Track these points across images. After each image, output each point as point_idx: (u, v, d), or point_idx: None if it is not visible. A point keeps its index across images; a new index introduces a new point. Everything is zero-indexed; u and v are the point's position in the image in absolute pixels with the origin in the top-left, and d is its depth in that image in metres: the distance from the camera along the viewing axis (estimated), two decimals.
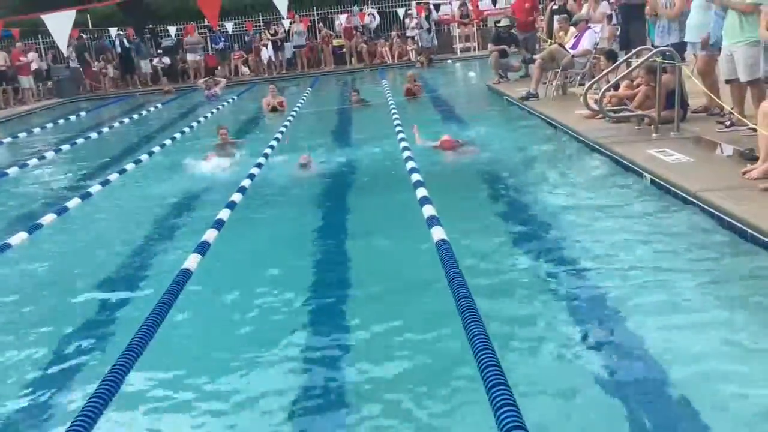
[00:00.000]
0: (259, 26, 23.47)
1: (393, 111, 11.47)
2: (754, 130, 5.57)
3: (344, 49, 23.09)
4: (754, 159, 5.49)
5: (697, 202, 5.14)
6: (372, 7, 24.56)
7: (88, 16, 22.98)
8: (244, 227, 5.97)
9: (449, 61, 21.87)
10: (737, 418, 2.79)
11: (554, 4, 14.12)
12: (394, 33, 23.28)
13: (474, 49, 22.79)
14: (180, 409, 3.29)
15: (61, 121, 15.75)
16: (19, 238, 5.85)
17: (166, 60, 22.85)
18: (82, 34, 22.24)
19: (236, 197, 6.52)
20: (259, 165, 8.08)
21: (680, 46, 7.82)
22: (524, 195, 6.28)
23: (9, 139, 13.48)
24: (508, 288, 4.25)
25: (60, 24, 13.15)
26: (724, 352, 3.26)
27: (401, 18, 23.66)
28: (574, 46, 11.16)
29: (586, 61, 10.98)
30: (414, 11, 22.69)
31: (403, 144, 8.43)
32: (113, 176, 8.36)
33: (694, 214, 5.07)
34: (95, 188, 7.79)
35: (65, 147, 11.57)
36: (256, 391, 3.35)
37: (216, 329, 4.14)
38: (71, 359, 3.89)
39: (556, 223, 5.37)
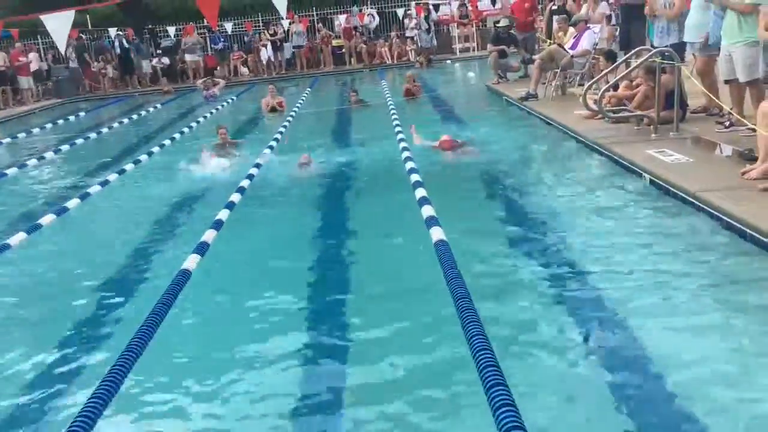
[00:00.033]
0: (259, 26, 23.46)
1: (392, 111, 11.47)
2: (753, 130, 5.57)
3: (343, 50, 23.09)
4: (754, 159, 5.49)
5: (696, 202, 5.14)
6: (371, 8, 24.57)
7: (88, 16, 22.97)
8: (243, 227, 5.97)
9: (448, 62, 21.87)
10: (737, 420, 2.79)
11: (553, 4, 14.12)
12: (393, 33, 23.29)
13: (473, 50, 22.80)
14: (179, 409, 3.28)
15: (60, 122, 15.75)
16: (18, 238, 5.84)
17: (166, 60, 22.84)
18: (81, 35, 22.23)
19: (235, 197, 6.52)
20: (258, 165, 8.08)
21: (679, 47, 7.82)
22: (523, 195, 6.28)
23: (8, 140, 13.48)
24: (506, 288, 4.25)
25: (59, 24, 13.14)
26: (724, 354, 3.25)
27: (400, 18, 23.67)
28: (573, 47, 11.17)
29: (586, 61, 10.98)
30: (413, 11, 22.71)
31: (403, 144, 8.43)
32: (112, 176, 8.36)
33: (693, 214, 5.07)
34: (94, 188, 7.78)
35: (64, 147, 11.56)
36: (254, 391, 3.35)
37: (215, 329, 4.14)
38: (70, 359, 3.88)
39: (554, 223, 5.37)
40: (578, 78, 11.41)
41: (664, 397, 2.99)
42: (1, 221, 7.11)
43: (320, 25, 23.68)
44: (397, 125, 9.85)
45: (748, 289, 3.86)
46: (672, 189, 5.53)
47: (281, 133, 10.40)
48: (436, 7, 23.16)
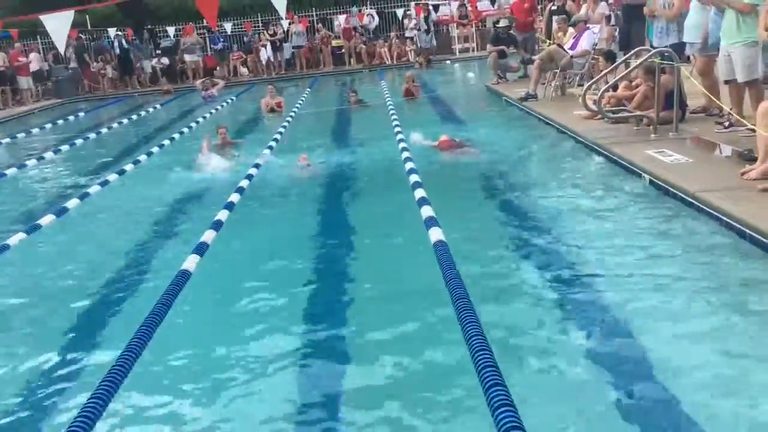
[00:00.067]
0: (258, 27, 23.46)
1: (391, 112, 11.46)
2: (753, 130, 5.57)
3: (343, 50, 23.08)
4: (753, 159, 5.49)
5: (695, 202, 5.14)
6: (371, 8, 24.58)
7: (87, 16, 22.96)
8: (242, 228, 5.97)
9: (448, 62, 21.87)
10: (737, 423, 2.78)
11: (553, 4, 14.14)
12: (393, 33, 23.28)
13: (473, 50, 22.80)
14: (179, 409, 3.28)
15: (59, 122, 15.74)
16: (17, 238, 5.84)
17: (165, 60, 22.84)
18: (80, 35, 22.23)
19: (234, 198, 6.52)
20: (257, 165, 8.08)
21: (679, 47, 7.83)
22: (522, 195, 6.28)
23: (8, 140, 13.47)
24: (505, 289, 4.25)
25: (59, 24, 13.13)
26: (724, 356, 3.24)
27: (400, 19, 23.68)
28: (572, 47, 11.17)
29: (585, 61, 10.99)
30: (413, 12, 22.71)
31: (402, 145, 8.43)
32: (112, 177, 8.35)
33: (692, 214, 5.07)
34: (94, 189, 7.78)
35: (64, 148, 11.56)
36: (253, 392, 3.35)
37: (214, 330, 4.13)
38: (70, 359, 3.88)
39: (554, 223, 5.37)
40: (578, 78, 11.42)
41: (664, 399, 2.99)
42: (0, 221, 7.11)
43: (320, 25, 23.69)
44: (397, 125, 9.84)
45: (747, 290, 3.86)
46: (671, 189, 5.53)
47: (281, 133, 10.40)
48: (436, 7, 23.17)
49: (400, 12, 23.71)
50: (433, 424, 2.99)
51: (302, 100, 14.90)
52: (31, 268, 5.52)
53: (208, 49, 23.31)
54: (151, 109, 16.45)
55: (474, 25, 23.13)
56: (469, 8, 22.85)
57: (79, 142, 12.17)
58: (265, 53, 22.26)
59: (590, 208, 5.63)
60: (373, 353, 3.59)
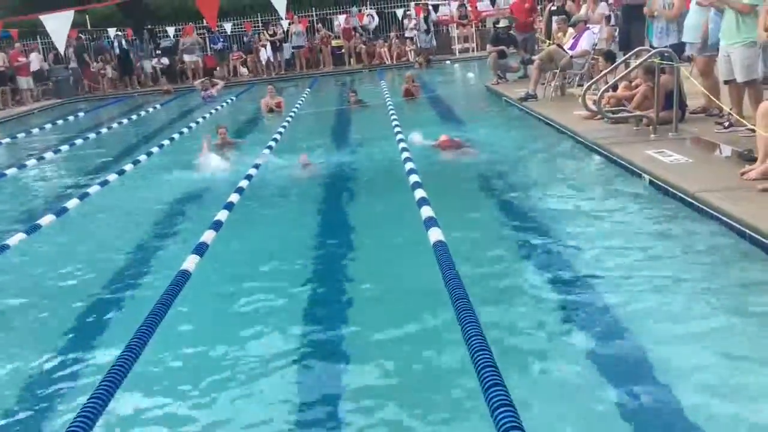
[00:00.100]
0: (258, 27, 23.46)
1: (391, 112, 11.46)
2: (753, 130, 5.58)
3: (343, 50, 23.09)
4: (753, 160, 5.49)
5: (695, 202, 5.14)
6: (371, 8, 24.58)
7: (87, 16, 22.96)
8: (242, 228, 5.97)
9: (448, 62, 21.87)
10: (738, 425, 2.78)
11: (553, 5, 14.13)
12: (392, 34, 23.28)
13: (473, 50, 22.81)
14: (178, 409, 3.28)
15: (59, 122, 15.74)
16: (17, 238, 5.84)
17: (165, 60, 22.84)
18: (80, 35, 22.23)
19: (234, 198, 6.52)
20: (257, 165, 8.08)
21: (679, 47, 7.83)
22: (522, 196, 6.28)
23: (7, 140, 13.47)
24: (505, 289, 4.25)
25: (58, 24, 13.13)
26: (724, 357, 3.24)
27: (400, 19, 23.68)
28: (572, 47, 11.17)
29: (585, 61, 10.99)
30: (413, 12, 22.72)
31: (402, 145, 8.43)
32: (112, 177, 8.35)
33: (692, 214, 5.07)
34: (94, 189, 7.78)
35: (64, 148, 11.56)
36: (253, 392, 3.35)
37: (214, 330, 4.13)
38: (69, 360, 3.88)
39: (553, 223, 5.37)
40: (577, 78, 11.42)
41: (664, 400, 2.99)
42: (1, 221, 7.11)
43: (320, 25, 23.69)
44: (397, 126, 9.84)
45: (747, 290, 3.86)
46: (671, 189, 5.53)
47: (280, 133, 10.39)
48: (436, 7, 23.17)
49: (399, 12, 23.72)
50: (433, 424, 2.99)
51: (302, 101, 14.89)
52: (31, 268, 5.52)
53: (208, 49, 23.31)
54: (150, 109, 16.45)
55: (474, 26, 23.14)
56: (469, 8, 22.85)
57: (78, 142, 12.16)
58: (265, 53, 22.27)
59: (590, 209, 5.63)
60: (373, 353, 3.59)
